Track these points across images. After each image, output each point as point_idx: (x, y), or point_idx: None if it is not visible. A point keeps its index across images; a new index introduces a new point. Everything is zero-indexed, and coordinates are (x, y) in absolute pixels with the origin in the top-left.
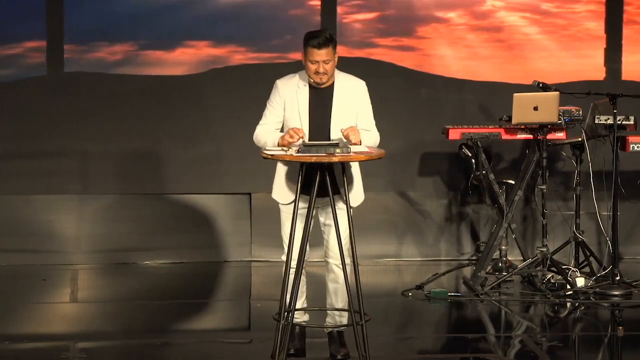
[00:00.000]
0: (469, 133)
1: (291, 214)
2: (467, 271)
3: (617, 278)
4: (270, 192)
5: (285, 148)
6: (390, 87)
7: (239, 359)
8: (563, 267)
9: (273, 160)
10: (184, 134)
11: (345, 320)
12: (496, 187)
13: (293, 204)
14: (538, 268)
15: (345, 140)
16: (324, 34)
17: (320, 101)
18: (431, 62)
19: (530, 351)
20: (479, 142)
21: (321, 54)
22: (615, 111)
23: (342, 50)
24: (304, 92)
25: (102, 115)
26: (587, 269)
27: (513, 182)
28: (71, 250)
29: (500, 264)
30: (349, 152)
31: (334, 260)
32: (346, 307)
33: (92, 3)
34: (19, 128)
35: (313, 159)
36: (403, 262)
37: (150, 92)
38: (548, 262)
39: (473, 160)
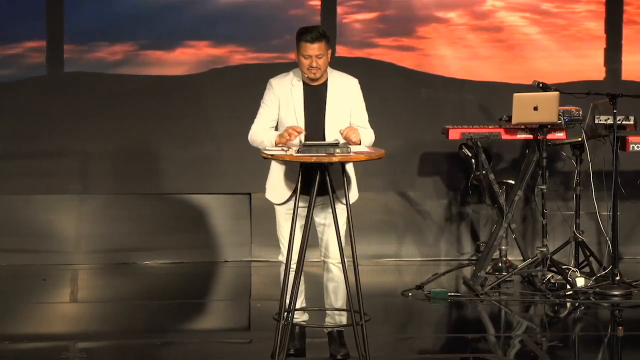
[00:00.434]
0: (469, 133)
1: (286, 214)
2: (467, 271)
3: (617, 278)
4: None
5: (285, 148)
6: (390, 87)
7: (239, 359)
8: (563, 267)
9: (273, 160)
10: (184, 134)
11: (345, 320)
12: (496, 187)
13: (289, 203)
14: (538, 268)
15: (344, 140)
16: (317, 29)
17: (315, 99)
18: (431, 62)
19: (530, 351)
20: (479, 142)
21: (314, 48)
22: (615, 111)
23: (342, 50)
24: (298, 90)
25: (102, 115)
26: (587, 269)
27: (513, 182)
28: (71, 250)
29: (500, 264)
30: (349, 152)
31: (332, 259)
32: (345, 306)
33: (92, 3)
34: (19, 128)
35: (313, 159)
36: (403, 262)
37: (150, 92)
38: (548, 262)
39: (473, 160)
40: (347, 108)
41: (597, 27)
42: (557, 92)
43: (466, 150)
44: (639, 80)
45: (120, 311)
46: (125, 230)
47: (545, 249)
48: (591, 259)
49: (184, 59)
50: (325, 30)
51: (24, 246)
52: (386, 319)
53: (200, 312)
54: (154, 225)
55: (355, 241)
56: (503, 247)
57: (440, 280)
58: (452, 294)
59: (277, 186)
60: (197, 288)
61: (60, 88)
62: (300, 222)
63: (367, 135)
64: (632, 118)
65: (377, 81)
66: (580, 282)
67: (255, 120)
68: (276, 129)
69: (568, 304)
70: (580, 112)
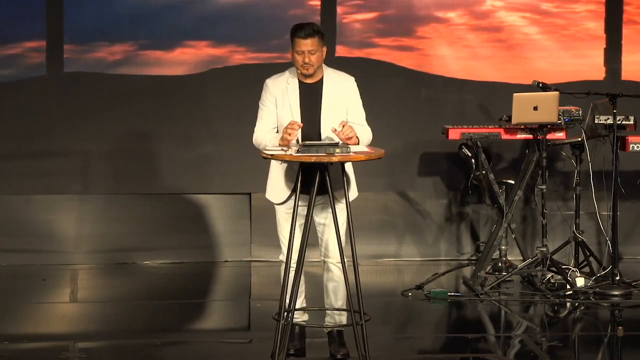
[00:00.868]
0: (469, 133)
1: (286, 213)
2: (467, 271)
3: (617, 278)
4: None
5: (285, 148)
6: (390, 87)
7: (239, 359)
8: (563, 267)
9: (273, 160)
10: (184, 134)
11: (344, 320)
12: (496, 187)
13: (289, 203)
14: (538, 268)
15: (338, 136)
16: (311, 26)
17: (310, 96)
18: (431, 62)
19: (530, 351)
20: (478, 142)
21: (307, 44)
22: (615, 111)
23: (342, 50)
24: (294, 88)
25: (102, 115)
26: (587, 269)
27: (513, 182)
28: (71, 250)
29: (500, 264)
30: (349, 152)
31: (332, 259)
32: (345, 306)
33: (92, 3)
34: (19, 128)
35: (313, 159)
36: (403, 262)
37: (150, 92)
38: (548, 262)
39: (473, 160)
40: (343, 105)
41: (597, 27)
42: (557, 92)
43: (466, 150)
44: (639, 80)
45: (120, 311)
46: (125, 230)
47: (545, 249)
48: (591, 259)
49: (184, 59)
50: (319, 27)
51: (24, 246)
52: (386, 319)
53: (200, 312)
54: (154, 225)
55: (355, 241)
56: (503, 247)
57: (440, 280)
58: (452, 294)
59: (276, 186)
60: (197, 288)
61: (60, 88)
62: (300, 222)
63: (364, 133)
64: (632, 118)
65: (377, 81)
66: (580, 282)
67: (257, 124)
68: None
69: (568, 304)
70: (580, 112)
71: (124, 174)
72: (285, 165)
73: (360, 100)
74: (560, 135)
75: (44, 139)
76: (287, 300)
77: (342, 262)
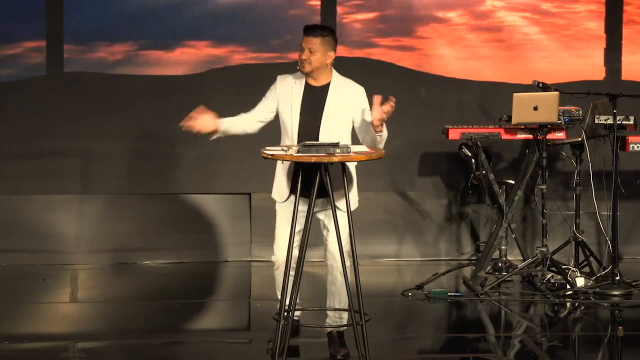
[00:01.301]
0: (469, 133)
1: (284, 215)
2: (467, 271)
3: (617, 278)
4: (271, 191)
5: (285, 148)
6: (390, 87)
7: (239, 359)
8: (563, 267)
9: (273, 160)
10: (184, 134)
11: (344, 321)
12: (496, 187)
13: (289, 205)
14: (538, 268)
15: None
16: (321, 26)
17: (314, 98)
18: (431, 62)
19: (530, 351)
20: (478, 142)
21: (307, 41)
22: (615, 111)
23: (342, 50)
24: (300, 88)
25: (102, 115)
26: (587, 269)
27: (513, 182)
28: (71, 250)
29: (500, 264)
30: (349, 152)
31: (331, 261)
32: (345, 307)
33: (92, 3)
34: (19, 128)
35: (313, 159)
36: (403, 262)
37: (150, 92)
38: (548, 262)
39: (473, 160)
40: (347, 113)
41: (597, 27)
42: (557, 92)
43: (466, 150)
44: (639, 80)
45: (120, 311)
46: (125, 230)
47: (545, 249)
48: (591, 259)
49: (184, 59)
50: (332, 30)
51: (24, 246)
52: (386, 319)
53: (200, 312)
54: (154, 225)
55: (355, 241)
56: (503, 247)
57: (440, 280)
58: (452, 294)
59: (279, 184)
60: (197, 288)
61: (60, 88)
62: (298, 227)
63: (385, 131)
64: (632, 118)
65: (377, 81)
66: (580, 282)
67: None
68: (280, 127)
69: (568, 304)
70: (580, 112)
71: (124, 174)
72: (287, 163)
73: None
74: (560, 135)
75: (44, 139)
76: (287, 301)
77: (343, 264)
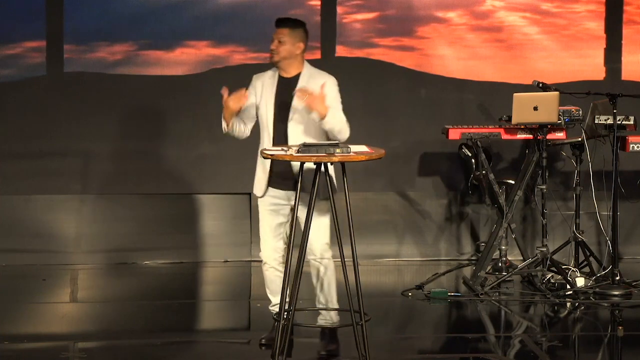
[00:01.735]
0: (469, 133)
1: (265, 209)
2: (467, 271)
3: (617, 278)
4: None
5: (285, 148)
6: (390, 87)
7: (238, 359)
8: (563, 267)
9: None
10: (184, 134)
11: (333, 316)
12: (496, 187)
13: (268, 199)
14: (538, 268)
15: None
16: (289, 18)
17: (285, 88)
18: (431, 62)
19: (530, 351)
20: (479, 142)
21: (277, 32)
22: (615, 111)
23: (342, 50)
24: (273, 81)
25: (102, 115)
26: (587, 269)
27: (513, 182)
28: (71, 250)
29: (500, 264)
30: (349, 152)
31: (311, 255)
32: (335, 300)
33: (92, 3)
34: (19, 128)
35: (313, 159)
36: (403, 262)
37: (150, 92)
38: (548, 262)
39: (473, 160)
40: None
41: (597, 27)
42: (557, 92)
43: (466, 150)
44: (639, 80)
45: (120, 311)
46: (125, 230)
47: (545, 249)
48: (591, 259)
49: (184, 59)
50: (300, 22)
51: (24, 246)
52: (386, 319)
53: (200, 312)
54: (154, 225)
55: (355, 241)
56: (503, 247)
57: (440, 280)
58: (452, 294)
59: (258, 179)
60: (197, 288)
61: (60, 88)
62: (279, 220)
63: (336, 116)
64: (632, 118)
65: (377, 81)
66: (580, 282)
67: None
68: (257, 122)
69: (568, 304)
70: (580, 112)
71: (124, 174)
72: (263, 159)
73: (339, 101)
74: (560, 135)
75: (44, 139)
76: (287, 300)
77: (324, 258)
